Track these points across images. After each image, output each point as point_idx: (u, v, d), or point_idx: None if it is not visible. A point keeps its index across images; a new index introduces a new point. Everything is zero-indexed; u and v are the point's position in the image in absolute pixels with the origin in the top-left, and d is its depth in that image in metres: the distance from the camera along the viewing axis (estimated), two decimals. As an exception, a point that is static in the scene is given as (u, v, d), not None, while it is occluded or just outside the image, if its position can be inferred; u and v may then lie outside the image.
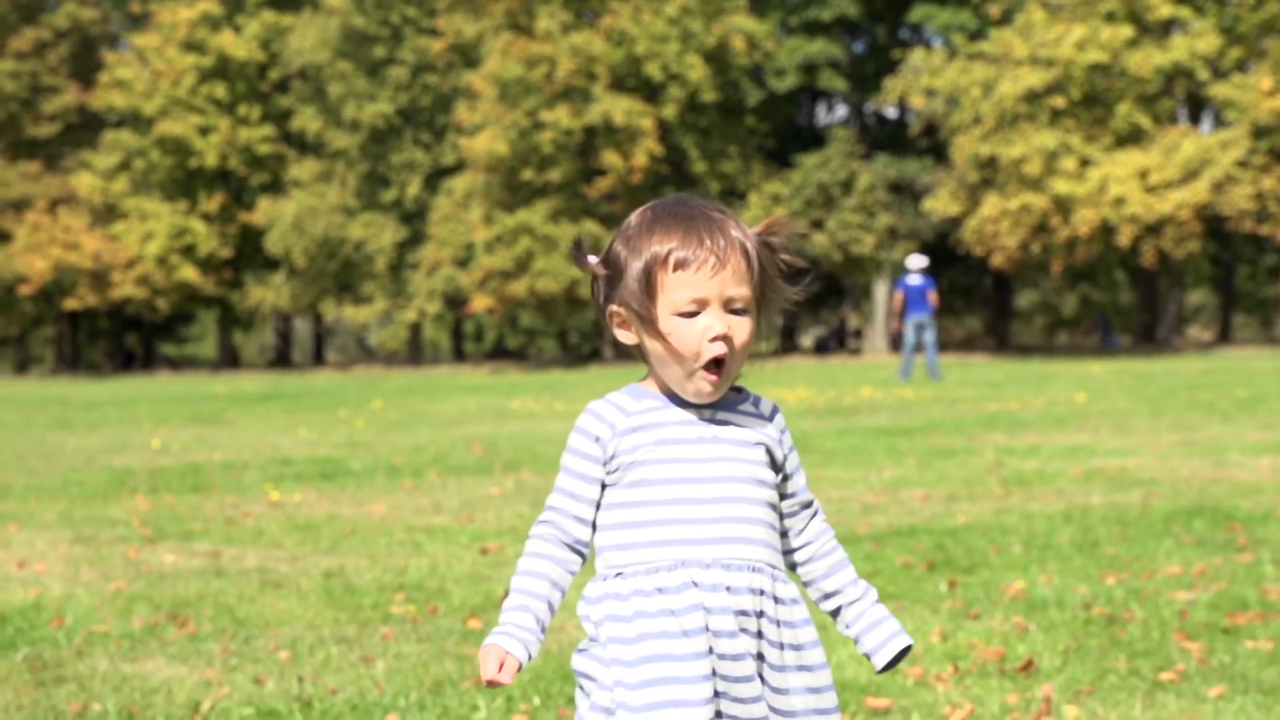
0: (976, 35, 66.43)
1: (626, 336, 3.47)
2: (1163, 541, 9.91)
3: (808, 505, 3.59)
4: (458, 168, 71.37)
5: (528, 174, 64.54)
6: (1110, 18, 59.21)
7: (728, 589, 3.33)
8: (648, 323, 3.38)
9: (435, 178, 73.91)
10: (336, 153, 74.38)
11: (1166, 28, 61.26)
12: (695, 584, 3.32)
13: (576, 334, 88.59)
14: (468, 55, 71.70)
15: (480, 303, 66.34)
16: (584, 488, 3.45)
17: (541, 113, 64.15)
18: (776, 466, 3.51)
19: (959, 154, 60.93)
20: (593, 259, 3.52)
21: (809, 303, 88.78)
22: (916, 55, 64.24)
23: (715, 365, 3.37)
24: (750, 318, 3.39)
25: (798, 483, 3.57)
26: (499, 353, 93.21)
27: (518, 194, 65.75)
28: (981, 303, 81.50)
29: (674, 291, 3.35)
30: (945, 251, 68.11)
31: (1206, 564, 9.03)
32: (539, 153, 64.58)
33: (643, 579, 3.35)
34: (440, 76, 73.11)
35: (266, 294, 75.44)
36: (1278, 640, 7.00)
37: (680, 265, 3.34)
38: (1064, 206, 58.27)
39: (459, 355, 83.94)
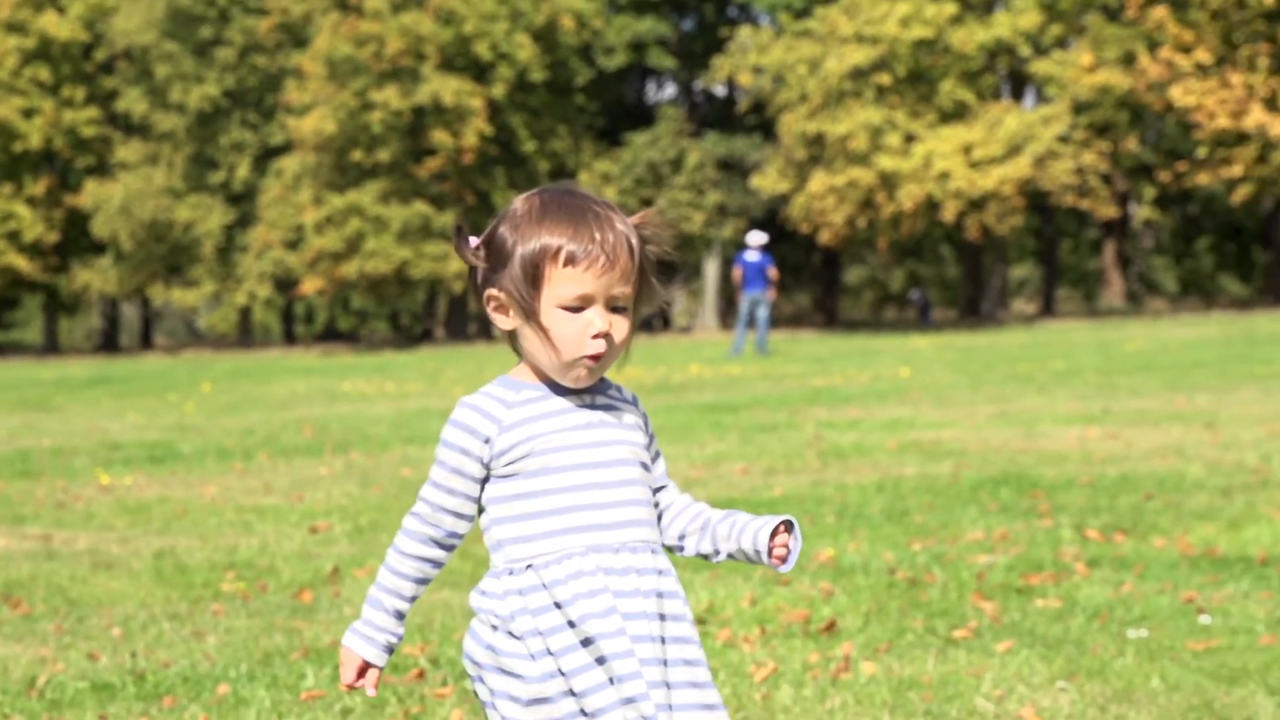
0: (803, 14, 67.01)
1: (503, 321, 3.48)
2: (969, 509, 10.33)
3: (667, 487, 3.64)
4: (286, 148, 71.04)
5: (357, 154, 64.36)
6: (934, -5, 60.06)
7: (636, 572, 3.38)
8: (530, 313, 3.40)
9: (264, 159, 73.45)
10: (163, 135, 73.68)
11: (989, 4, 62.24)
12: (604, 570, 3.36)
13: (408, 315, 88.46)
14: (296, 35, 71.35)
15: (311, 284, 66.07)
16: (462, 483, 3.45)
17: (370, 93, 63.99)
18: (648, 448, 3.57)
19: (786, 131, 61.47)
20: (474, 241, 3.50)
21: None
22: (744, 33, 64.76)
23: (593, 357, 3.41)
24: (628, 315, 3.43)
25: (660, 465, 3.63)
26: (330, 335, 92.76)
27: (347, 175, 65.58)
28: (810, 279, 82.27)
29: (561, 286, 3.37)
30: (774, 228, 68.68)
31: (1008, 529, 9.44)
32: (368, 133, 64.43)
33: (555, 569, 3.36)
34: (268, 57, 72.67)
35: (93, 278, 74.58)
36: (1066, 598, 7.40)
37: (570, 260, 3.36)
38: (889, 182, 58.98)
39: (289, 338, 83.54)
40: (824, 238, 61.53)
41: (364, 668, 3.52)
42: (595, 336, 3.37)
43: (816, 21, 62.12)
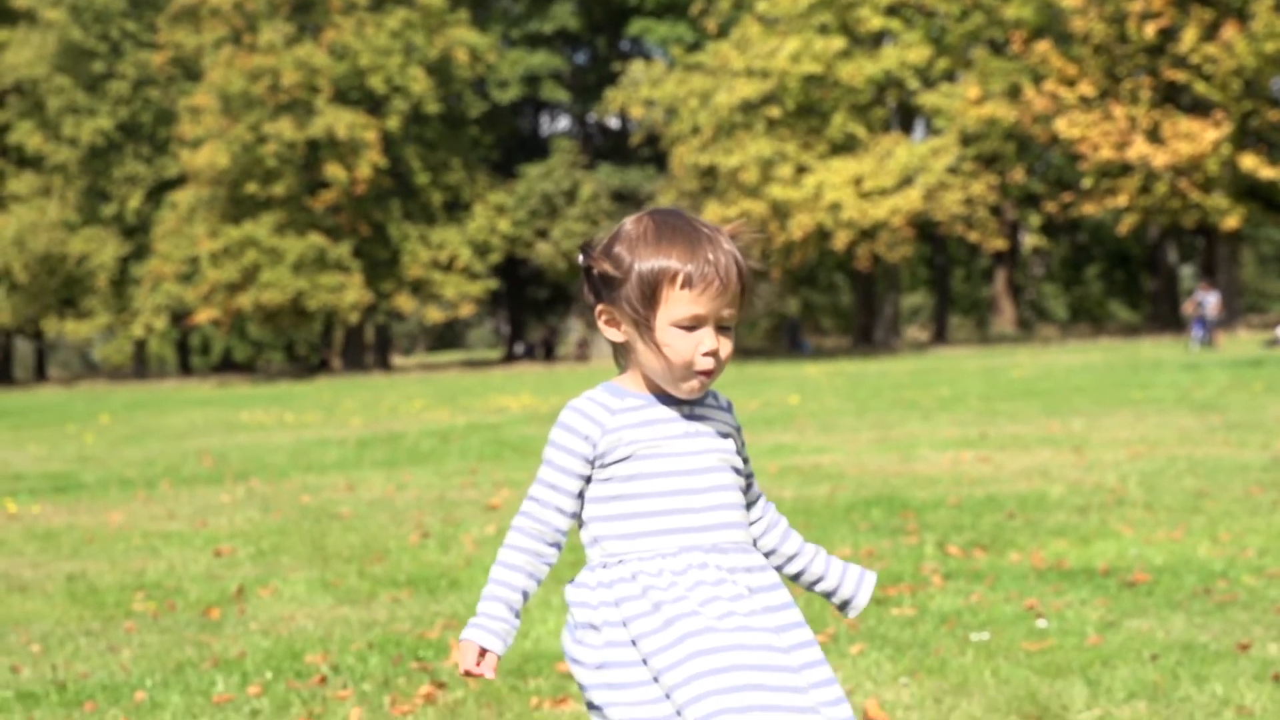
0: (694, 47, 67.86)
1: (614, 334, 3.63)
2: (840, 528, 10.91)
3: (759, 501, 3.82)
4: (180, 181, 71.16)
5: (252, 187, 64.64)
6: (823, 30, 60.94)
7: (726, 570, 3.54)
8: (645, 330, 3.55)
9: (158, 191, 73.58)
10: (56, 167, 73.71)
11: (878, 39, 63.22)
12: (694, 567, 3.52)
13: (304, 345, 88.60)
14: (189, 69, 71.57)
15: (205, 314, 66.22)
16: (568, 481, 3.59)
17: (264, 126, 64.31)
18: (739, 453, 3.73)
19: (678, 163, 62.25)
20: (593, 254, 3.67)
21: (534, 310, 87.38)
22: (636, 67, 65.50)
23: (705, 372, 3.58)
24: (732, 333, 3.60)
25: (749, 467, 3.77)
26: (226, 365, 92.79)
27: (242, 207, 65.84)
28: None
29: (676, 306, 3.51)
30: (668, 259, 69.34)
31: (875, 546, 10.03)
32: (263, 166, 64.72)
33: (646, 563, 3.53)
34: (161, 90, 72.83)
35: (-14, 311, 74.54)
36: (920, 607, 7.99)
37: (687, 283, 3.51)
38: (781, 212, 59.78)
39: (185, 369, 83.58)
40: (717, 268, 62.05)
41: (482, 653, 3.59)
42: (706, 354, 3.54)
43: (708, 55, 62.93)
